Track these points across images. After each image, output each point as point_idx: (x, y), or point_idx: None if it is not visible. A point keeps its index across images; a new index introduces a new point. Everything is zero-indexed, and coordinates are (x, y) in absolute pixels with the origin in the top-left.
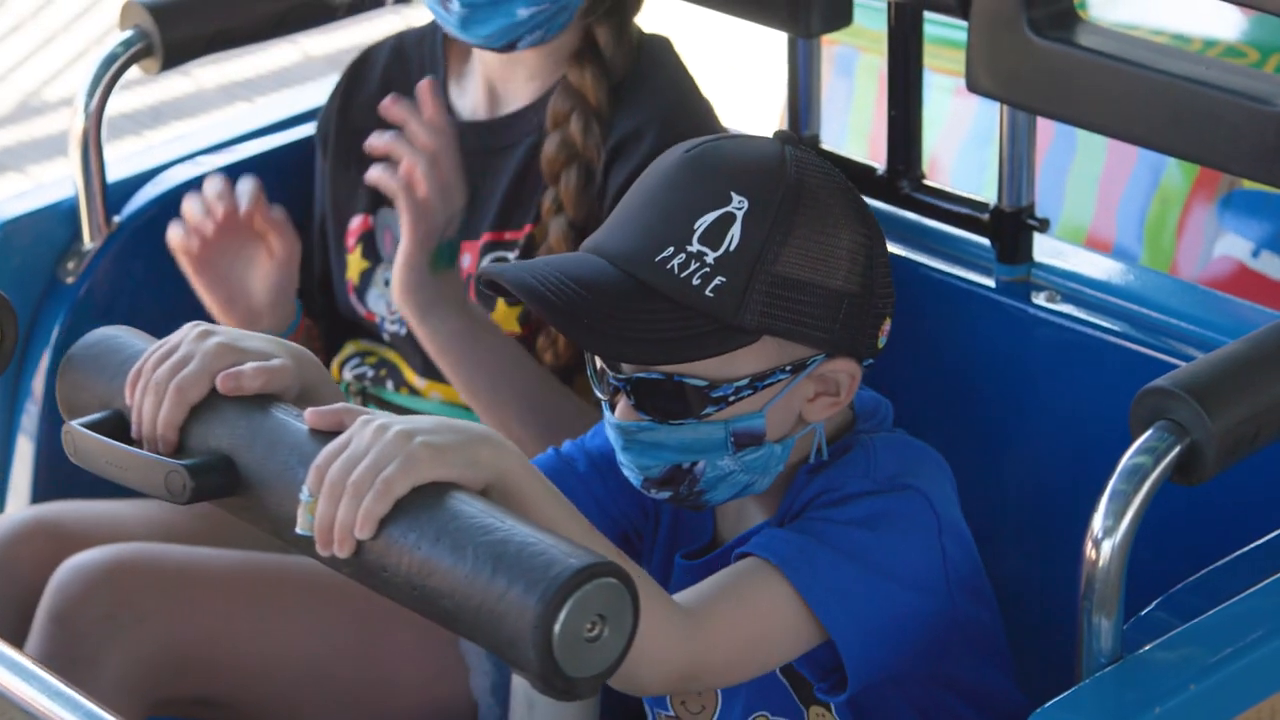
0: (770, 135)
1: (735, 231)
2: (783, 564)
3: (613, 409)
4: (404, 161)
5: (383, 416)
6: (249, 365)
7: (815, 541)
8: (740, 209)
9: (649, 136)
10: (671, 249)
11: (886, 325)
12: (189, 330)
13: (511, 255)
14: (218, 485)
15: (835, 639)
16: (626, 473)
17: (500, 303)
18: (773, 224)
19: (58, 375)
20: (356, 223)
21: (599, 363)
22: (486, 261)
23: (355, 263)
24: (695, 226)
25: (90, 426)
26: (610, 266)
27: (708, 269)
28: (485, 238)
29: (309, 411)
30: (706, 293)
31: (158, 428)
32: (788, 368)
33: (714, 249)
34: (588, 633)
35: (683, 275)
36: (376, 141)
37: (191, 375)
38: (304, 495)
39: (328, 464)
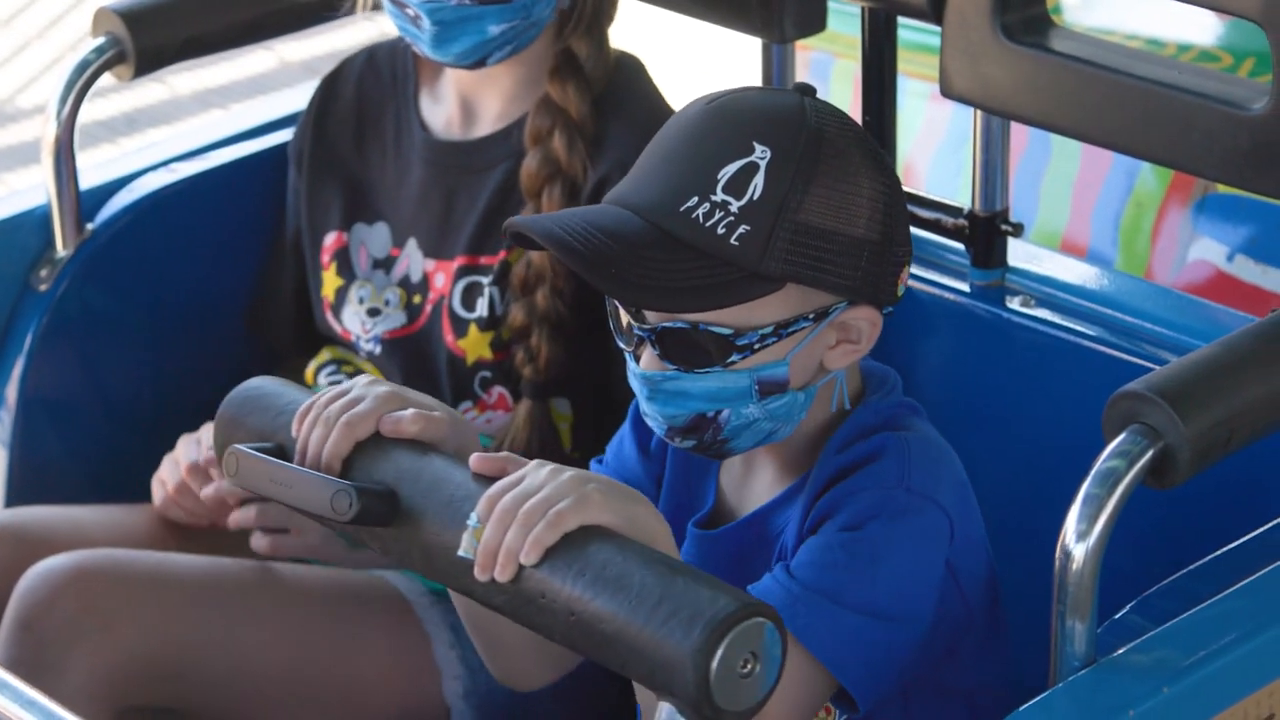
0: (790, 88)
1: (759, 180)
2: (785, 616)
3: (637, 360)
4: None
5: (554, 464)
6: (410, 411)
7: (816, 592)
8: (763, 159)
9: None
10: (696, 198)
11: (905, 273)
12: (361, 378)
13: (485, 280)
14: (379, 512)
15: (846, 685)
16: (650, 423)
17: (472, 328)
18: (795, 173)
19: (217, 416)
20: (331, 239)
21: (623, 315)
22: (460, 287)
23: (330, 280)
24: (719, 176)
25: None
26: (635, 217)
27: (732, 218)
28: (459, 260)
29: (474, 457)
30: (731, 241)
31: (323, 457)
32: (811, 315)
33: (738, 198)
34: (741, 668)
35: (707, 224)
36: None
37: (361, 413)
38: (472, 521)
39: (501, 494)
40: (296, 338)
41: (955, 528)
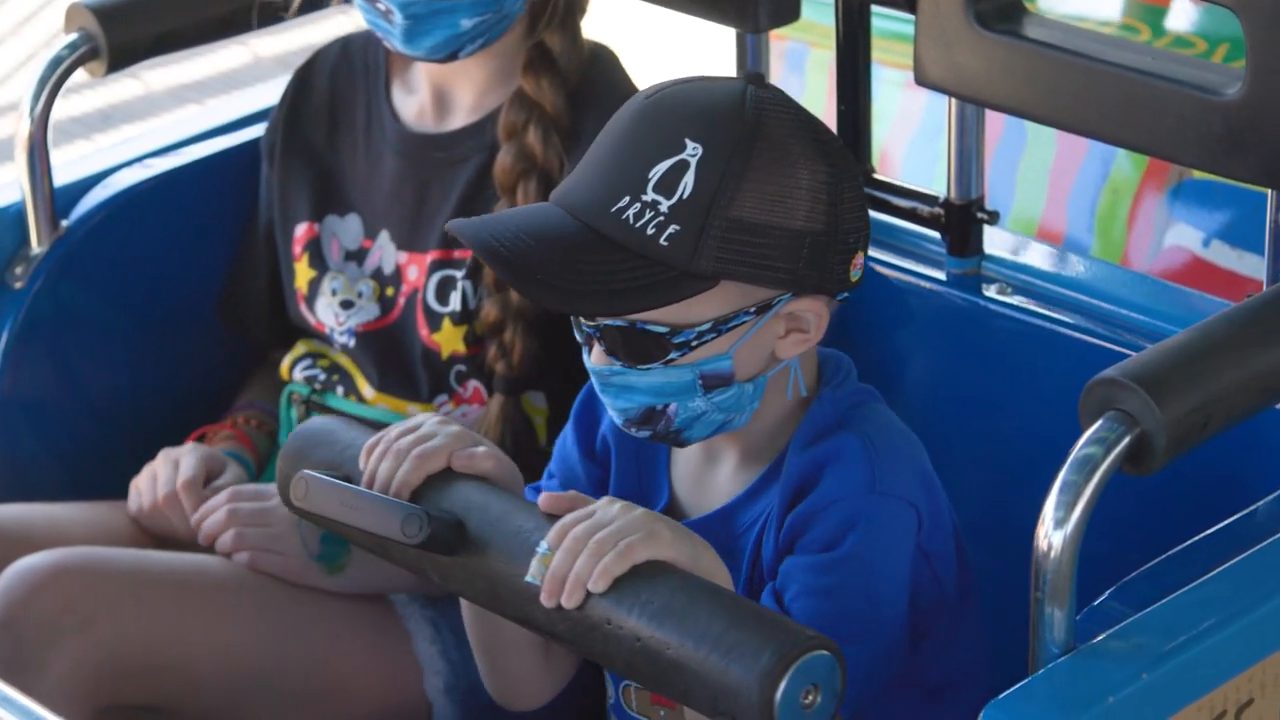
0: (739, 76)
1: (689, 179)
2: None
3: (589, 353)
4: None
5: (625, 501)
6: (483, 448)
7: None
8: (694, 155)
9: None
10: (627, 199)
11: (859, 258)
12: (430, 416)
13: (459, 275)
14: (447, 539)
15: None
16: (610, 412)
17: (446, 323)
18: (726, 168)
19: (281, 451)
20: (302, 230)
21: None
22: (434, 281)
23: (303, 271)
24: (650, 175)
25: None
26: (569, 218)
27: (662, 217)
28: (433, 254)
29: (544, 495)
30: (661, 241)
31: (392, 486)
32: (752, 309)
33: (667, 197)
34: (803, 698)
35: (638, 225)
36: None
37: (434, 447)
38: (542, 548)
39: (573, 524)
40: (271, 331)
41: (923, 516)
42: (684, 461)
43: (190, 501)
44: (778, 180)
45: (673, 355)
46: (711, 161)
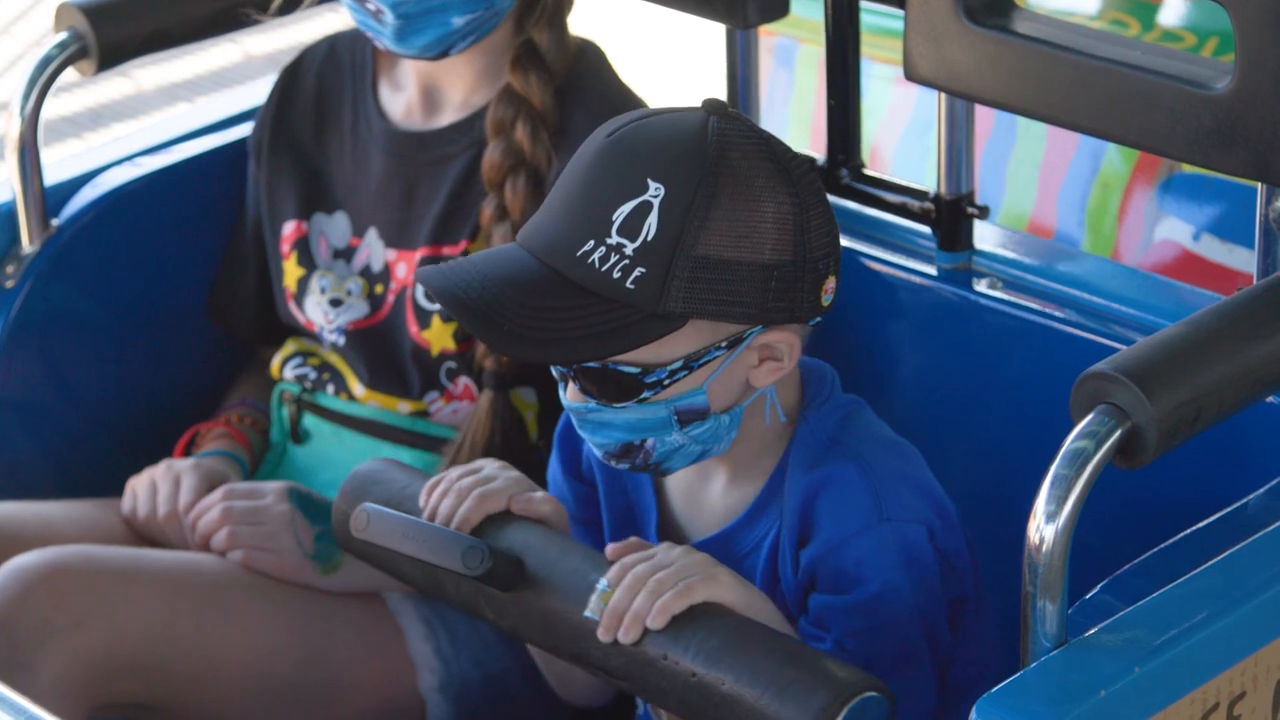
0: (699, 106)
1: (652, 220)
2: None
3: (564, 390)
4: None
5: (684, 546)
6: (541, 493)
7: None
8: (657, 196)
9: None
10: (591, 243)
11: (830, 283)
12: (490, 461)
13: None
14: (506, 574)
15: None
16: (589, 445)
17: (436, 320)
18: (690, 207)
19: (340, 490)
20: (289, 229)
21: None
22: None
23: (291, 270)
24: (614, 218)
25: None
26: (535, 261)
27: (627, 260)
28: (422, 251)
29: (610, 546)
30: (628, 284)
31: (453, 523)
32: (723, 344)
33: (632, 240)
34: None
35: (603, 269)
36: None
37: (495, 489)
38: (601, 584)
39: (635, 564)
40: (260, 330)
41: (933, 525)
42: (674, 482)
43: (178, 529)
44: (743, 215)
45: (645, 394)
46: (674, 201)
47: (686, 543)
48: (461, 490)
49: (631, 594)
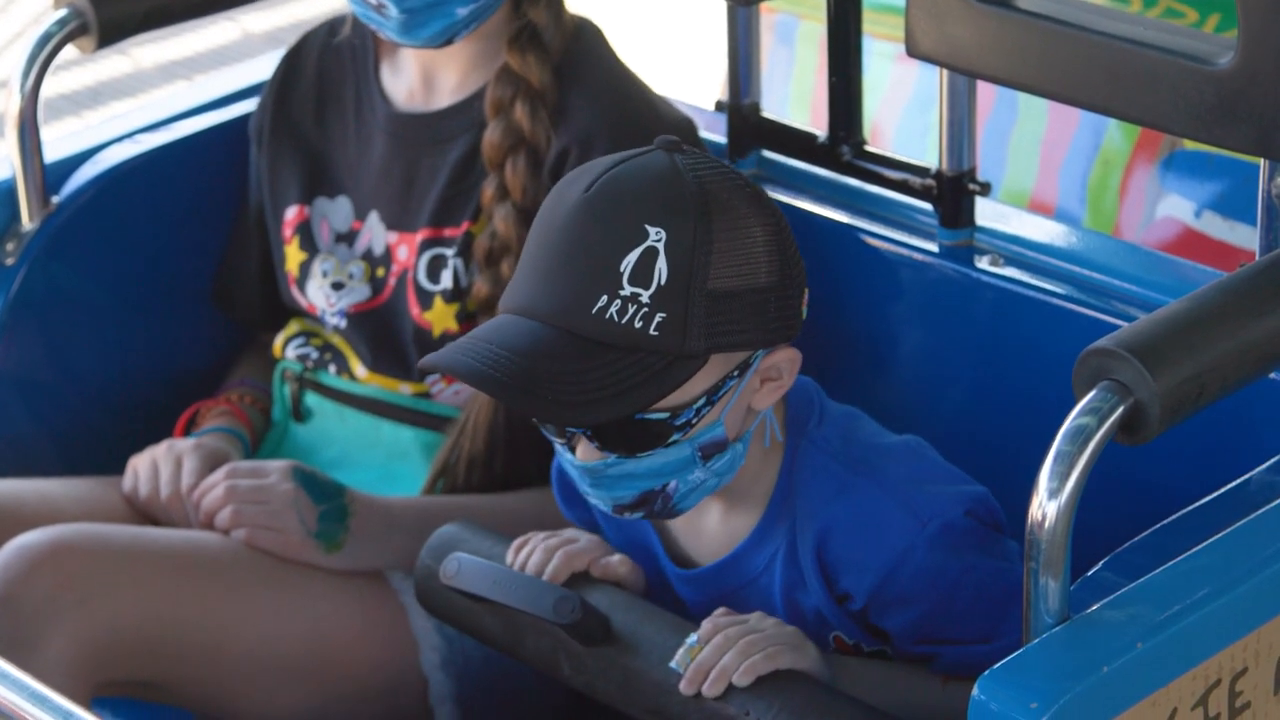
0: (653, 146)
1: (661, 265)
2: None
3: (572, 450)
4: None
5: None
6: (618, 556)
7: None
8: (660, 240)
9: (599, 147)
10: (605, 297)
11: (806, 295)
12: (573, 530)
13: (449, 253)
14: (595, 626)
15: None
16: (596, 503)
17: (438, 301)
18: (693, 246)
19: (424, 547)
20: (292, 214)
21: None
22: (425, 260)
23: (294, 254)
24: (622, 269)
25: None
26: (544, 327)
27: (646, 308)
28: (423, 233)
29: (707, 622)
30: (651, 332)
31: (543, 578)
32: (735, 373)
33: (646, 287)
34: None
35: (624, 321)
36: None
37: (581, 549)
38: (691, 639)
39: (728, 624)
40: (263, 313)
41: (970, 502)
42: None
43: (180, 510)
44: (739, 245)
45: (674, 437)
46: (678, 242)
47: (695, 567)
48: (549, 548)
49: (720, 651)
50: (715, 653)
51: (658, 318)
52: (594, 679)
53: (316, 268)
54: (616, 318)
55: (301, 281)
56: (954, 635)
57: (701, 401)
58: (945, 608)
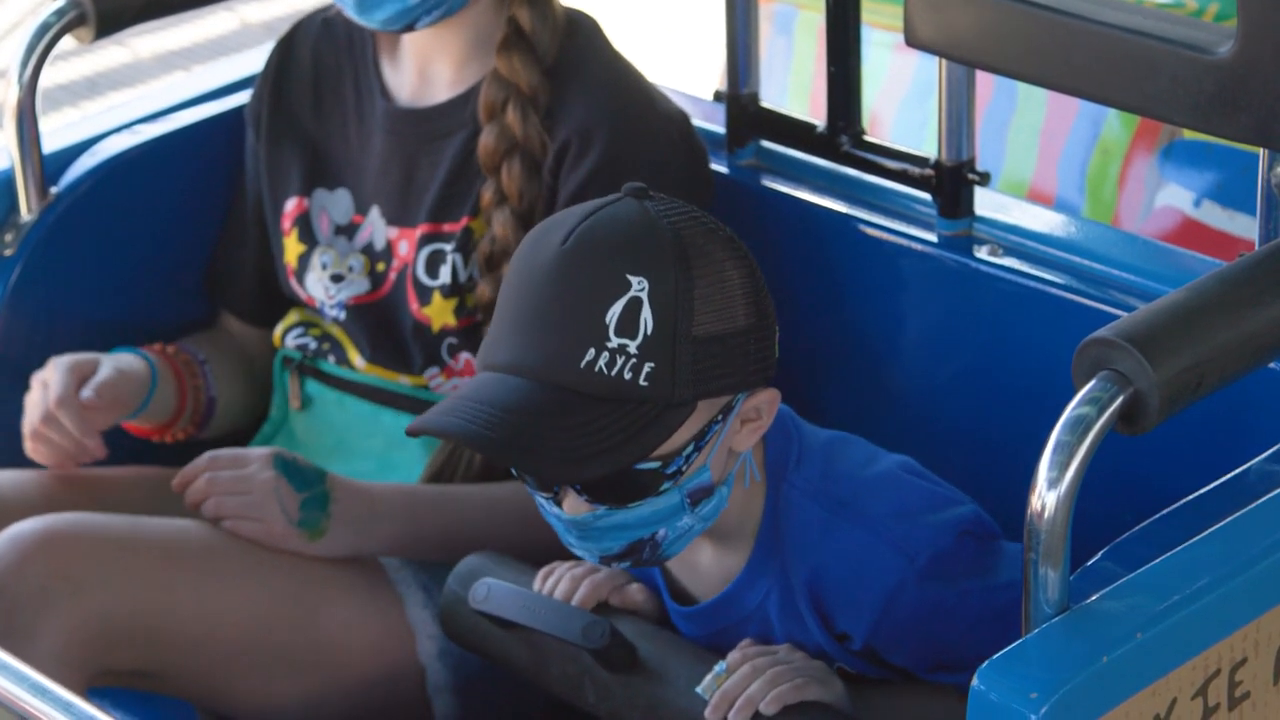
0: (622, 194)
1: (646, 315)
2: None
3: (558, 504)
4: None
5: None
6: (637, 584)
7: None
8: (642, 289)
9: (599, 140)
10: (593, 351)
11: (776, 333)
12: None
13: (448, 248)
14: (622, 652)
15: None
16: (582, 554)
17: (436, 296)
18: (676, 293)
19: (451, 573)
20: (291, 205)
21: None
22: (424, 255)
23: (292, 246)
24: (607, 321)
25: None
26: (532, 384)
27: (634, 359)
28: (422, 228)
29: (735, 651)
30: (640, 383)
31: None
32: (719, 417)
33: (632, 338)
34: None
35: (613, 374)
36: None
37: (604, 578)
38: (719, 667)
39: (756, 654)
40: (259, 307)
41: (960, 525)
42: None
43: (69, 416)
44: (717, 289)
45: (665, 485)
46: (660, 290)
47: (694, 604)
48: (575, 577)
49: (748, 680)
50: (742, 681)
51: (646, 368)
52: (619, 706)
53: (316, 259)
54: (606, 370)
55: (300, 273)
56: (968, 657)
57: (690, 448)
58: (950, 635)
